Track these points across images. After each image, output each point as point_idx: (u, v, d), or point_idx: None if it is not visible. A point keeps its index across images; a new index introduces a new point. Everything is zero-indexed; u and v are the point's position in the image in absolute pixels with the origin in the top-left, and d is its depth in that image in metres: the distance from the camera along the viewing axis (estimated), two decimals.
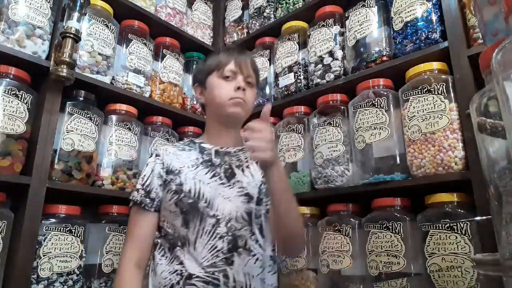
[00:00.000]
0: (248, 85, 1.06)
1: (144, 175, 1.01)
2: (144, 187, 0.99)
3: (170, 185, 0.98)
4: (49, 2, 1.26)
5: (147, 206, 0.97)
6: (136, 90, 1.50)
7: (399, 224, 1.07)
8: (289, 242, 0.99)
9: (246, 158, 1.08)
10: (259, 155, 0.84)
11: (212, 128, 1.10)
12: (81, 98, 1.34)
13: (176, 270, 0.91)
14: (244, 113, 1.06)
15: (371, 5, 1.33)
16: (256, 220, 0.98)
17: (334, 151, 1.27)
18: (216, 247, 0.91)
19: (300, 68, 1.52)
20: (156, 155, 1.04)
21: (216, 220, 0.94)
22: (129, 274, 0.93)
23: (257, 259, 0.94)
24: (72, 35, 1.17)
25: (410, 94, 1.11)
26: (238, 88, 1.01)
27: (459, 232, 0.94)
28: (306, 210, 1.36)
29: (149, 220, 0.98)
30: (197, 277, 0.89)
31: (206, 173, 1.00)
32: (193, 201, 0.95)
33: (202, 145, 1.08)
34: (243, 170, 1.04)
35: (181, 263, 0.91)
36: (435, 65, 1.12)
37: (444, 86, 1.06)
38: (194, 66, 1.82)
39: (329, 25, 1.44)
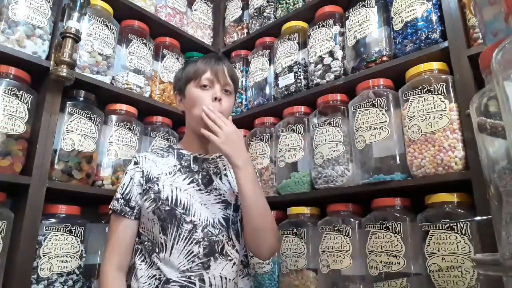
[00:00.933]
0: (226, 93, 1.07)
1: (124, 184, 1.02)
2: (124, 195, 1.01)
3: (149, 193, 0.99)
4: (49, 2, 1.26)
5: (127, 215, 0.99)
6: (136, 90, 1.50)
7: (399, 224, 1.07)
8: (255, 237, 0.98)
9: (224, 166, 1.12)
10: (211, 136, 0.96)
11: (191, 135, 1.11)
12: (81, 98, 1.34)
13: (155, 275, 0.93)
14: None
15: (371, 5, 1.33)
16: (233, 226, 1.01)
17: (334, 151, 1.27)
18: (192, 252, 0.94)
19: (300, 68, 1.52)
20: (135, 163, 1.05)
21: (193, 226, 0.96)
22: (111, 276, 0.95)
23: (234, 264, 0.97)
24: (72, 35, 1.17)
25: (410, 94, 1.11)
26: (215, 98, 1.03)
27: (459, 232, 0.94)
28: (306, 210, 1.36)
29: (129, 227, 1.00)
30: (174, 281, 0.91)
31: (184, 179, 1.02)
32: (170, 208, 0.96)
33: (181, 151, 1.10)
34: (220, 178, 1.07)
35: (159, 268, 0.93)
36: (435, 65, 1.12)
37: (444, 86, 1.06)
38: None
39: (329, 25, 1.44)
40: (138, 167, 1.03)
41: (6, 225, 1.07)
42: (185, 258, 0.93)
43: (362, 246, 1.15)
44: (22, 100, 1.15)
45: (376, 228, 1.11)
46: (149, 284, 0.93)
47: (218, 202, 1.02)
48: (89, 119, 1.32)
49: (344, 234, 1.19)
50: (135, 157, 1.07)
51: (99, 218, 1.36)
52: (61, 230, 1.19)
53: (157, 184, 1.00)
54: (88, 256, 1.27)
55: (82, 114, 1.30)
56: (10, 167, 1.10)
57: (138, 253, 1.00)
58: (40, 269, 1.12)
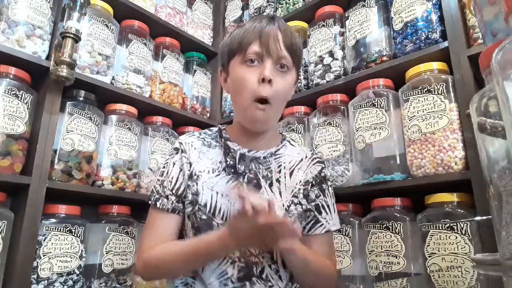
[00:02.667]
0: (281, 70, 0.82)
1: (172, 177, 0.85)
2: (175, 191, 0.84)
3: (186, 192, 0.84)
4: (49, 2, 1.26)
5: (181, 212, 0.84)
6: (136, 90, 1.50)
7: (399, 224, 1.07)
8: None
9: (279, 167, 0.89)
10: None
11: (238, 126, 0.90)
12: (81, 98, 1.34)
13: (188, 283, 0.83)
14: (273, 120, 0.87)
15: (371, 5, 1.33)
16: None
17: (334, 151, 1.27)
18: (226, 274, 0.78)
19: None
20: (182, 151, 0.87)
21: None
22: (158, 247, 0.80)
23: None
24: (72, 35, 1.17)
25: (410, 94, 1.11)
26: (263, 80, 0.78)
27: (459, 232, 0.94)
28: None
29: (177, 223, 0.84)
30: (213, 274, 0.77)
31: (228, 182, 0.84)
32: (207, 217, 0.80)
33: (228, 143, 0.89)
34: (271, 184, 0.86)
35: (192, 281, 0.82)
36: (435, 65, 1.11)
37: (444, 86, 1.05)
38: (194, 66, 1.83)
39: (329, 25, 1.44)
40: (185, 156, 0.86)
41: (6, 225, 1.07)
42: (217, 279, 0.78)
43: (362, 246, 1.15)
44: (22, 100, 1.15)
45: (376, 228, 1.11)
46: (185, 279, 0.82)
47: None
48: (89, 119, 1.32)
49: (344, 234, 1.19)
50: (181, 143, 0.88)
51: (99, 218, 1.35)
52: (61, 230, 1.19)
53: (197, 184, 0.83)
54: (88, 256, 1.27)
55: (82, 114, 1.30)
56: (10, 167, 1.10)
57: None
58: (40, 269, 1.12)
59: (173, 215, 0.84)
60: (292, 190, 0.87)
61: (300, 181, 0.89)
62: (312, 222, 0.87)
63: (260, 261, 0.80)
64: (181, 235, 0.87)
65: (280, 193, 0.85)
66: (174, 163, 0.87)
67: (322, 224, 0.87)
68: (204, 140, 0.90)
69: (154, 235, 0.82)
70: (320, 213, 0.88)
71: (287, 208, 0.84)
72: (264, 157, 0.89)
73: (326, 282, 0.83)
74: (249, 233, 0.68)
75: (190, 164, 0.86)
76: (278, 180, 0.87)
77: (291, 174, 0.89)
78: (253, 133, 0.88)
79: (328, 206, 0.90)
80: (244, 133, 0.89)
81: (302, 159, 0.93)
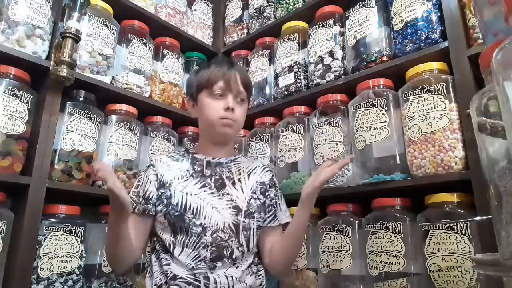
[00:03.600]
0: (239, 102, 1.09)
1: (142, 184, 1.06)
2: (144, 195, 1.04)
3: (161, 198, 1.02)
4: (49, 2, 1.26)
5: (151, 211, 1.02)
6: (136, 90, 1.50)
7: (399, 224, 1.07)
8: (286, 267, 1.11)
9: (238, 170, 1.12)
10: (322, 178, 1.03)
11: (204, 141, 1.14)
12: (81, 98, 1.34)
13: (165, 272, 0.96)
14: (235, 132, 1.11)
15: (371, 5, 1.33)
16: (244, 233, 1.02)
17: (334, 151, 1.27)
18: (199, 256, 0.97)
19: (300, 68, 1.52)
20: (152, 165, 1.08)
21: (202, 229, 0.98)
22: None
23: (237, 267, 0.99)
24: (72, 35, 1.17)
25: (410, 94, 1.11)
26: (227, 108, 1.05)
27: (459, 232, 0.94)
28: None
29: (147, 221, 1.04)
30: (181, 278, 0.94)
31: (195, 184, 1.05)
32: (179, 214, 0.99)
33: (195, 155, 1.12)
34: (233, 183, 1.08)
35: (168, 265, 0.97)
36: (435, 65, 1.11)
37: (444, 86, 1.05)
38: (194, 66, 1.83)
39: (329, 25, 1.44)
40: (154, 169, 1.07)
41: (6, 225, 1.07)
42: (192, 260, 0.96)
43: (362, 246, 1.15)
44: (22, 100, 1.15)
45: (376, 228, 1.11)
46: (160, 279, 0.96)
47: (229, 207, 1.03)
48: (89, 119, 1.32)
49: (344, 234, 1.19)
50: (152, 160, 1.11)
51: (99, 218, 1.35)
52: (61, 230, 1.19)
53: (169, 190, 1.03)
54: (88, 256, 1.27)
55: (82, 114, 1.30)
56: (10, 167, 1.10)
57: (153, 251, 1.03)
58: (40, 269, 1.12)
59: (147, 217, 1.03)
60: (251, 188, 1.09)
61: (257, 181, 1.12)
62: (272, 216, 1.11)
63: (230, 245, 0.99)
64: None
65: (242, 190, 1.08)
66: (147, 176, 1.07)
67: (277, 219, 1.12)
68: (172, 157, 1.12)
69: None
70: (278, 209, 1.14)
71: (248, 201, 1.06)
72: (226, 163, 1.12)
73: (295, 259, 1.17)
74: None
75: (157, 175, 1.06)
76: (239, 180, 1.10)
77: (249, 176, 1.12)
78: (217, 144, 1.12)
79: (280, 204, 1.15)
80: (209, 145, 1.13)
81: (256, 167, 1.17)
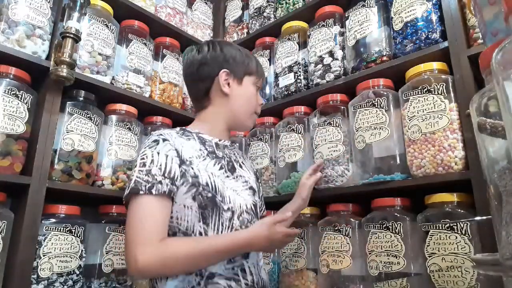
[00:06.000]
0: None
1: (160, 164, 0.87)
2: (167, 174, 0.86)
3: (185, 176, 0.89)
4: (49, 2, 1.26)
5: (175, 195, 0.88)
6: (136, 90, 1.50)
7: (399, 224, 1.07)
8: None
9: (240, 154, 1.13)
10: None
11: (216, 121, 1.06)
12: (81, 98, 1.34)
13: (195, 271, 0.84)
14: None
15: (371, 5, 1.33)
16: (259, 213, 1.05)
17: (334, 151, 1.27)
18: None
19: (300, 68, 1.52)
20: (165, 140, 0.91)
21: (231, 213, 0.93)
22: (165, 243, 0.82)
23: (257, 253, 0.98)
24: (72, 35, 1.17)
25: (410, 94, 1.11)
26: (260, 104, 1.11)
27: (459, 232, 0.94)
28: (306, 210, 1.35)
29: (168, 205, 0.87)
30: (220, 275, 0.85)
31: (214, 165, 0.97)
32: (212, 195, 0.90)
33: (201, 135, 1.02)
34: (240, 166, 1.07)
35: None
36: (435, 65, 1.11)
37: (444, 86, 1.05)
38: None
39: (329, 25, 1.44)
40: (169, 144, 0.91)
41: (6, 225, 1.07)
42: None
43: (362, 246, 1.15)
44: (22, 100, 1.15)
45: (376, 228, 1.11)
46: (189, 281, 0.83)
47: (246, 189, 1.02)
48: (89, 119, 1.32)
49: (344, 234, 1.19)
50: (161, 134, 0.93)
51: (99, 218, 1.35)
52: (61, 230, 1.19)
53: (192, 168, 0.91)
54: (88, 256, 1.27)
55: (82, 114, 1.30)
56: (10, 167, 1.10)
57: None
58: (40, 269, 1.12)
59: (169, 200, 0.87)
60: (252, 171, 1.13)
61: (252, 167, 1.17)
62: (264, 205, 1.19)
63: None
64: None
65: (249, 171, 1.09)
66: (158, 153, 0.89)
67: (264, 209, 1.20)
68: (178, 133, 0.98)
69: (154, 225, 0.82)
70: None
71: (256, 182, 1.10)
72: (230, 145, 1.10)
73: None
74: (278, 237, 0.89)
75: (177, 150, 0.91)
76: (243, 163, 1.10)
77: (244, 160, 1.14)
78: (227, 129, 1.09)
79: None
80: (221, 128, 1.07)
81: (244, 156, 1.22)
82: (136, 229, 0.81)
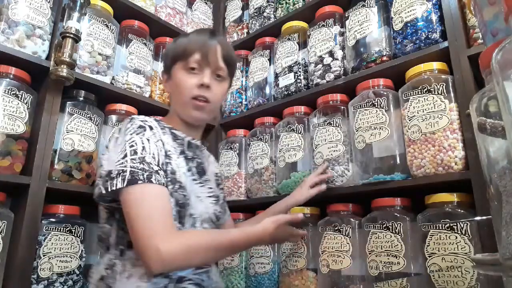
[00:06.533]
0: (217, 79, 0.95)
1: (152, 152, 0.80)
2: (161, 166, 0.80)
3: (167, 171, 0.82)
4: (49, 2, 1.26)
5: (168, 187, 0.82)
6: (136, 90, 1.50)
7: (399, 224, 1.07)
8: None
9: (206, 156, 1.04)
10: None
11: (176, 118, 0.98)
12: (81, 98, 1.34)
13: (163, 273, 0.76)
14: (208, 116, 0.97)
15: (371, 5, 1.33)
16: (217, 223, 0.96)
17: (334, 151, 1.27)
18: None
19: (300, 68, 1.52)
20: (151, 128, 0.85)
21: (193, 220, 0.86)
22: (188, 232, 0.81)
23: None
24: (72, 35, 1.17)
25: (410, 94, 1.11)
26: (202, 85, 0.90)
27: (459, 232, 0.94)
28: (306, 210, 1.36)
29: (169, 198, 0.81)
30: (188, 279, 0.80)
31: (184, 166, 0.89)
32: (184, 196, 0.84)
33: (174, 131, 0.94)
34: (207, 169, 1.00)
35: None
36: (435, 65, 1.11)
37: (444, 86, 1.05)
38: None
39: (329, 25, 1.44)
40: (156, 133, 0.85)
41: (6, 225, 1.07)
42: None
43: (362, 246, 1.15)
44: (22, 100, 1.15)
45: (376, 228, 1.11)
46: (155, 283, 0.75)
47: (210, 196, 0.93)
48: (89, 119, 1.32)
49: (344, 234, 1.19)
50: (146, 121, 0.86)
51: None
52: (61, 230, 1.19)
53: (170, 164, 0.84)
54: (88, 256, 1.27)
55: (82, 114, 1.30)
56: (10, 167, 1.10)
57: (130, 248, 0.79)
58: (40, 269, 1.12)
59: (167, 190, 0.80)
60: (214, 177, 1.05)
61: (213, 171, 1.07)
62: (226, 209, 1.12)
63: None
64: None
65: (212, 175, 1.02)
66: (148, 140, 0.81)
67: (227, 212, 1.14)
68: (159, 123, 0.90)
69: (167, 214, 0.76)
70: (226, 202, 1.13)
71: (217, 194, 1.00)
72: (201, 146, 1.02)
73: None
74: (283, 234, 0.92)
75: (162, 141, 0.85)
76: (209, 166, 1.02)
77: (210, 164, 1.06)
78: (188, 125, 0.97)
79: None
80: (186, 124, 0.97)
81: (210, 155, 1.11)
82: (148, 219, 0.73)
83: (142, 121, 0.85)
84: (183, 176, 0.86)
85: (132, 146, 0.79)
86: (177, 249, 0.72)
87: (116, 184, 0.75)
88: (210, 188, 0.96)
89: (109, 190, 0.75)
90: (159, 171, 0.79)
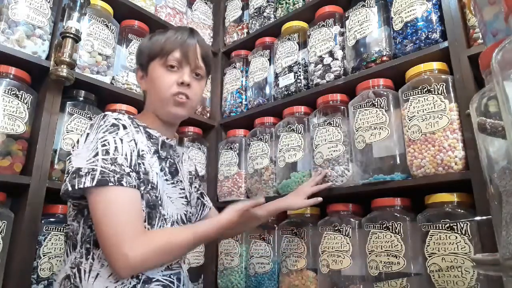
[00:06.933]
0: (196, 77, 0.95)
1: (125, 153, 0.79)
2: (133, 167, 0.79)
3: (139, 172, 0.81)
4: (49, 2, 1.26)
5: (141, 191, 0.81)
6: (136, 90, 1.50)
7: (399, 224, 1.07)
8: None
9: (180, 156, 1.03)
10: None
11: (152, 116, 0.96)
12: (81, 98, 1.34)
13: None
14: (187, 112, 0.96)
15: (371, 5, 1.33)
16: (188, 224, 0.94)
17: (334, 151, 1.27)
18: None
19: (300, 68, 1.52)
20: (124, 127, 0.82)
21: (164, 221, 0.84)
22: (153, 232, 0.80)
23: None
24: (72, 35, 1.17)
25: (410, 94, 1.11)
26: (182, 83, 0.91)
27: (459, 232, 0.94)
28: (306, 210, 1.36)
29: (140, 200, 0.80)
30: (157, 280, 0.79)
31: (158, 165, 0.88)
32: (156, 197, 0.83)
33: (149, 130, 0.92)
34: (181, 169, 0.99)
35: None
36: (435, 65, 1.11)
37: (444, 86, 1.05)
38: None
39: (329, 25, 1.44)
40: (130, 133, 0.83)
41: (6, 225, 1.07)
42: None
43: (362, 246, 1.15)
44: (22, 100, 1.15)
45: (376, 228, 1.11)
46: (123, 283, 0.74)
47: (182, 197, 0.93)
48: (89, 119, 1.32)
49: (344, 234, 1.19)
50: (119, 119, 0.83)
51: None
52: (61, 230, 1.19)
53: (143, 163, 0.83)
54: None
55: (82, 114, 1.30)
56: (10, 167, 1.10)
57: (96, 247, 0.77)
58: (40, 269, 1.12)
59: (138, 193, 0.79)
60: (187, 177, 1.05)
61: (187, 170, 1.08)
62: (200, 206, 1.12)
63: None
64: None
65: (184, 177, 1.01)
66: (121, 140, 0.79)
67: (206, 205, 1.14)
68: (132, 123, 0.87)
69: (135, 216, 0.75)
70: (203, 197, 1.15)
71: (188, 193, 0.99)
72: (175, 146, 1.01)
73: None
74: (250, 221, 1.02)
75: (135, 141, 0.83)
76: (181, 168, 1.01)
77: (183, 163, 1.05)
78: (169, 123, 0.97)
79: (204, 191, 1.18)
80: (159, 123, 0.96)
81: (183, 153, 1.11)
82: (116, 225, 0.72)
83: (115, 119, 0.83)
84: (156, 176, 0.85)
85: (104, 145, 0.77)
86: (145, 254, 0.73)
87: (85, 182, 0.73)
88: (182, 189, 0.95)
89: (76, 187, 0.74)
90: (130, 173, 0.77)
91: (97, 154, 0.76)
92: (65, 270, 0.79)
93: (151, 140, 0.91)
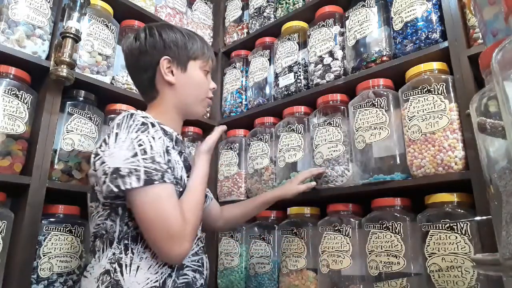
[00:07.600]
0: None
1: (160, 152, 0.82)
2: (168, 163, 0.84)
3: (170, 168, 0.86)
4: (49, 2, 1.26)
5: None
6: (136, 90, 1.50)
7: (399, 224, 1.07)
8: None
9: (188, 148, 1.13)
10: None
11: (170, 112, 0.99)
12: (81, 98, 1.34)
13: (167, 263, 0.82)
14: None
15: (371, 5, 1.33)
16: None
17: (334, 151, 1.27)
18: (197, 236, 0.93)
19: (300, 68, 1.52)
20: (153, 125, 0.85)
21: None
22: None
23: None
24: (72, 35, 1.17)
25: (410, 94, 1.11)
26: (213, 89, 1.05)
27: (459, 232, 0.94)
28: (306, 210, 1.36)
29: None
30: (187, 266, 0.87)
31: (181, 161, 0.93)
32: (181, 191, 0.88)
33: (162, 126, 0.93)
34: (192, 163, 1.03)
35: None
36: (435, 65, 1.11)
37: (444, 86, 1.05)
38: None
39: (329, 25, 1.44)
40: (159, 130, 0.85)
41: (6, 225, 1.07)
42: (194, 243, 0.90)
43: (362, 246, 1.15)
44: (22, 100, 1.15)
45: (376, 228, 1.11)
46: (162, 273, 0.81)
47: None
48: (89, 119, 1.32)
49: (344, 234, 1.19)
50: (147, 117, 0.86)
51: None
52: (61, 230, 1.19)
53: (170, 160, 0.87)
54: (88, 256, 1.27)
55: (82, 114, 1.30)
56: (10, 167, 1.10)
57: (139, 240, 0.82)
58: (40, 269, 1.12)
59: (174, 186, 0.83)
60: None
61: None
62: (207, 195, 1.12)
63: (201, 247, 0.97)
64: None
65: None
66: (153, 137, 0.82)
67: (208, 196, 1.16)
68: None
69: (179, 210, 0.80)
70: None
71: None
72: (183, 141, 1.09)
73: None
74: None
75: (163, 138, 0.86)
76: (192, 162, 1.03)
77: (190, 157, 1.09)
78: (181, 120, 1.04)
79: None
80: (176, 119, 1.01)
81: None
82: (166, 219, 0.77)
83: (143, 117, 0.85)
84: (181, 171, 0.90)
85: (140, 145, 0.80)
86: (192, 236, 0.82)
87: (131, 183, 0.76)
88: None
89: (123, 188, 0.76)
90: (168, 170, 0.81)
91: (136, 154, 0.78)
92: (102, 266, 0.81)
93: (167, 136, 0.92)
